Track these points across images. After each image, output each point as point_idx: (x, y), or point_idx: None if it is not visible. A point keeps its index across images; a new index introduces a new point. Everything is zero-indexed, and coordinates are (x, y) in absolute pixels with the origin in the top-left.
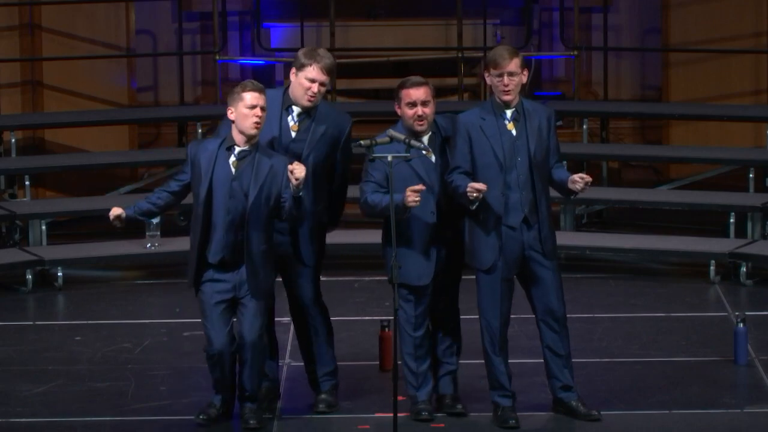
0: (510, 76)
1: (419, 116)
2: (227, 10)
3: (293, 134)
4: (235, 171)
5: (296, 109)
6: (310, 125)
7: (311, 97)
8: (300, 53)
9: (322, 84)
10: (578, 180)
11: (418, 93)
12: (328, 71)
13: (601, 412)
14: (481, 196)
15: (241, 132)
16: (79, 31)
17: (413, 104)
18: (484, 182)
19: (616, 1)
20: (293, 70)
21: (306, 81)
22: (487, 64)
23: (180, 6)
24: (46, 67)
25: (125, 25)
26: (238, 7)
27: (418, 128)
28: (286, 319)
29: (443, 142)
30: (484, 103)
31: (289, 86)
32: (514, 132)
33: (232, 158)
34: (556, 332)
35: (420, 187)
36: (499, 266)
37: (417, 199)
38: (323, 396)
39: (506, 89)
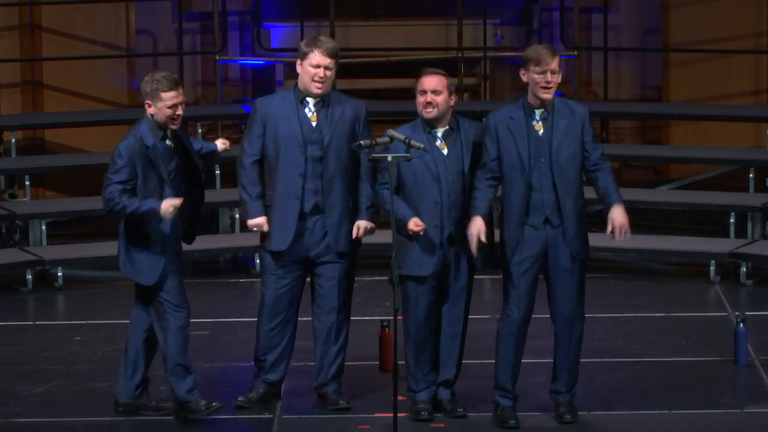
0: (553, 74)
1: (428, 102)
2: (227, 10)
3: (314, 124)
4: (175, 150)
5: (311, 100)
6: (327, 111)
7: (318, 82)
8: (302, 43)
9: (327, 68)
10: (617, 234)
11: (430, 81)
12: (331, 54)
13: (601, 412)
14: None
15: (162, 126)
16: (79, 31)
17: (424, 92)
18: (508, 182)
19: (616, 1)
20: (298, 61)
21: (311, 68)
22: (527, 61)
23: (180, 6)
24: (46, 67)
25: (125, 25)
26: (238, 7)
27: (426, 115)
28: None
29: (470, 144)
30: (516, 101)
31: (297, 83)
32: (541, 132)
33: (168, 142)
34: (566, 333)
35: (420, 227)
36: (518, 261)
37: (417, 230)
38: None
39: (548, 86)
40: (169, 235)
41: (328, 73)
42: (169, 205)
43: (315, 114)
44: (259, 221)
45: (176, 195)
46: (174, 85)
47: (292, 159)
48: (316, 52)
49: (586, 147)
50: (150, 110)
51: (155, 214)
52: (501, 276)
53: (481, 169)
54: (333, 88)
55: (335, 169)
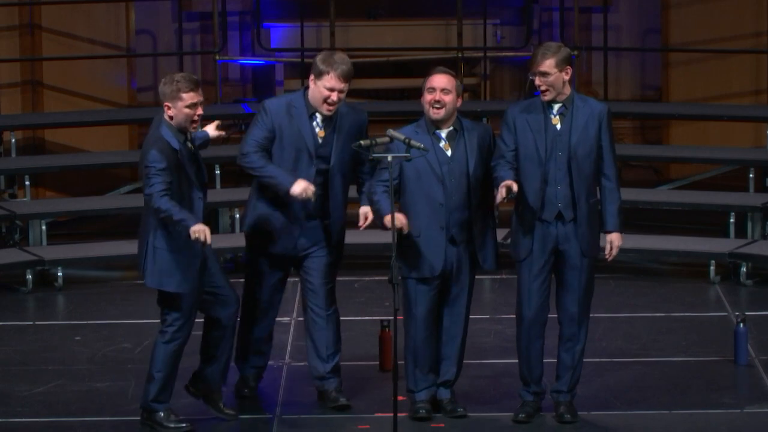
0: (542, 76)
1: (436, 101)
2: (227, 10)
3: (320, 140)
4: (194, 152)
5: (319, 116)
6: (334, 129)
7: (330, 105)
8: (318, 59)
9: (340, 92)
10: (612, 251)
11: (439, 79)
12: (346, 78)
13: (601, 412)
14: (505, 198)
15: (182, 128)
16: (79, 31)
17: (432, 89)
18: (524, 175)
19: (616, 1)
20: (312, 76)
21: (324, 90)
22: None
23: (180, 6)
24: (46, 67)
25: (125, 25)
26: (238, 7)
27: (434, 115)
28: (286, 318)
29: (473, 145)
30: (537, 96)
31: (307, 88)
32: (558, 126)
33: (189, 145)
34: (570, 333)
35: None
36: (531, 258)
37: (388, 227)
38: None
39: (541, 89)
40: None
41: (341, 95)
42: (201, 230)
43: (322, 130)
44: (302, 186)
45: (201, 196)
46: (194, 85)
47: (303, 171)
48: (332, 75)
49: (602, 150)
50: (169, 112)
51: (185, 228)
52: (501, 276)
53: (498, 160)
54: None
55: (339, 181)
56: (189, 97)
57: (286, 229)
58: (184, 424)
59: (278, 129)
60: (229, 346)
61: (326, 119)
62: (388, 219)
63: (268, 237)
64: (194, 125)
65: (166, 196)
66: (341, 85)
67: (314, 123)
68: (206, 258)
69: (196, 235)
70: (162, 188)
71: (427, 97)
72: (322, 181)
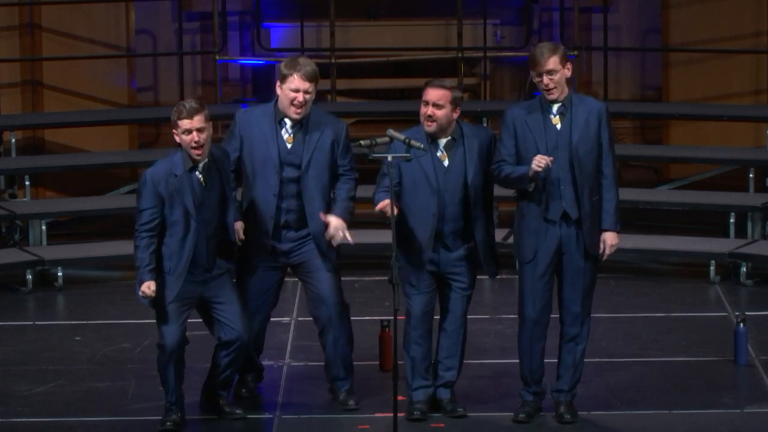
0: (549, 74)
1: (428, 116)
2: (227, 10)
3: (289, 146)
4: (205, 184)
5: (288, 122)
6: (305, 135)
7: (297, 107)
8: (281, 65)
9: (306, 92)
10: (605, 251)
11: (432, 93)
12: (310, 78)
13: (601, 412)
14: (544, 168)
15: (189, 155)
16: (79, 31)
17: (426, 103)
18: None
19: (616, 1)
20: (278, 83)
21: (290, 92)
22: (529, 63)
23: (180, 6)
24: (46, 67)
25: (125, 25)
26: (238, 7)
27: (426, 128)
28: (286, 318)
29: (474, 153)
30: (535, 98)
31: (278, 99)
32: (558, 126)
33: (198, 174)
34: (573, 332)
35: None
36: (536, 260)
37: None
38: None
39: (547, 88)
40: (182, 264)
41: (307, 96)
42: (145, 288)
43: (291, 136)
44: None
45: (202, 227)
46: (190, 113)
47: (266, 180)
48: (295, 77)
49: (601, 148)
50: (176, 138)
51: (138, 281)
52: (501, 276)
53: (499, 163)
54: (322, 100)
55: (314, 190)
56: (183, 124)
57: (260, 238)
58: (168, 423)
59: (245, 138)
60: (224, 368)
61: (296, 125)
62: (382, 204)
63: (248, 244)
64: (196, 153)
65: (144, 232)
66: (306, 86)
67: (283, 130)
68: (210, 283)
69: (141, 293)
70: (143, 221)
71: (422, 109)
72: (296, 190)
